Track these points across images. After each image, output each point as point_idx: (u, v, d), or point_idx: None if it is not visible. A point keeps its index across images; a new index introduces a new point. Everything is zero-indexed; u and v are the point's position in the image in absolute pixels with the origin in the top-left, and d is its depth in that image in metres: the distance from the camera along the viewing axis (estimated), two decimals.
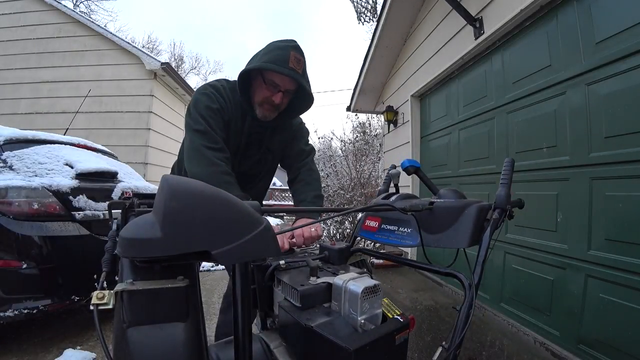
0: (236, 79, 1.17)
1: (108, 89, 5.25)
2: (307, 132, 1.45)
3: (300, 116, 1.39)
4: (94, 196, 2.05)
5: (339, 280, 0.66)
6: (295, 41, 1.14)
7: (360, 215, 1.16)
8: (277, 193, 11.99)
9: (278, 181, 12.59)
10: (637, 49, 1.42)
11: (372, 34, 4.08)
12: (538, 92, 1.99)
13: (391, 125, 4.23)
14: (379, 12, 3.86)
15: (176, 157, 1.45)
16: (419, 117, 3.74)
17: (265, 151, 1.31)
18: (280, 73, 1.09)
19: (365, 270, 0.81)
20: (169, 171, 1.41)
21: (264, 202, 1.40)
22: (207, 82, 1.22)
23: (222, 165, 1.07)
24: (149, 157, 5.15)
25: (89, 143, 2.64)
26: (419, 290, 2.85)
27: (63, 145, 2.32)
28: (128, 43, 5.44)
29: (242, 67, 1.15)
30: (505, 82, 2.29)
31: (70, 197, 1.93)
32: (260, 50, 1.15)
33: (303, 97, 1.24)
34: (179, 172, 1.35)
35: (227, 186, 1.04)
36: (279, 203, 11.04)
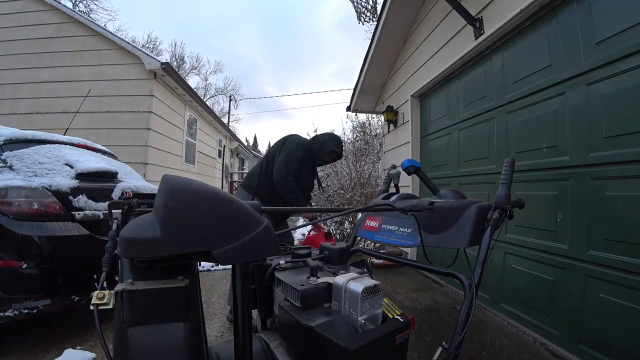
0: (307, 138, 2.41)
1: (108, 89, 5.24)
2: None
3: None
4: (94, 196, 2.05)
5: (339, 280, 0.66)
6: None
7: (360, 215, 1.16)
8: None
9: None
10: (637, 49, 1.42)
11: (372, 34, 4.08)
12: (538, 92, 1.99)
13: (391, 125, 4.23)
14: (379, 12, 3.86)
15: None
16: (419, 117, 3.74)
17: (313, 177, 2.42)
18: (340, 158, 2.42)
19: (365, 270, 0.81)
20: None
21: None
22: (302, 142, 2.26)
23: (299, 195, 2.12)
24: (149, 157, 5.14)
25: (89, 143, 2.64)
26: (419, 290, 2.85)
27: (63, 145, 2.32)
28: (128, 43, 5.43)
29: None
30: (505, 82, 2.29)
31: (70, 197, 1.92)
32: (327, 140, 2.26)
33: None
34: (251, 188, 2.26)
35: (296, 196, 2.11)
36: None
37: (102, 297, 0.52)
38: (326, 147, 2.22)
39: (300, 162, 2.16)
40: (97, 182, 2.16)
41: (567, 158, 1.78)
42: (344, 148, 2.31)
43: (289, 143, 2.23)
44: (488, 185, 2.47)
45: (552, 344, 1.78)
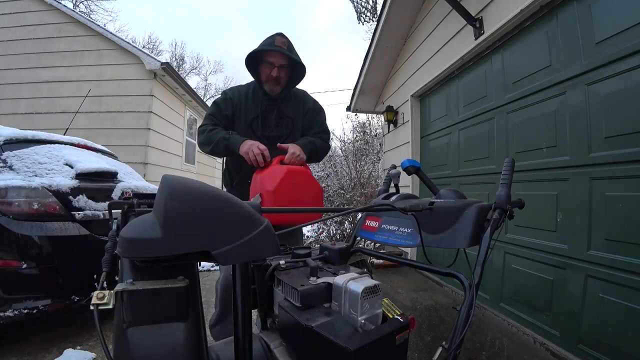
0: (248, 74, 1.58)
1: (108, 89, 5.24)
2: (322, 114, 1.73)
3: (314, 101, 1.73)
4: (94, 196, 2.05)
5: (339, 280, 0.66)
6: (280, 32, 1.51)
7: (360, 215, 1.16)
8: None
9: None
10: (637, 49, 1.42)
11: (372, 34, 4.08)
12: (538, 92, 1.99)
13: (391, 125, 4.23)
14: (379, 12, 3.86)
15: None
16: (419, 117, 3.74)
17: (282, 117, 1.61)
18: (270, 50, 1.46)
19: (365, 270, 0.81)
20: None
21: None
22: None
23: (210, 129, 1.51)
24: (149, 157, 5.14)
25: (89, 143, 2.64)
26: (419, 290, 2.85)
27: (63, 145, 2.32)
28: (128, 43, 5.43)
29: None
30: (505, 82, 2.29)
31: (70, 197, 1.92)
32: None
33: (298, 70, 1.57)
34: (228, 174, 1.69)
35: (212, 133, 1.48)
36: None
37: (102, 297, 0.52)
38: (259, 49, 1.48)
39: (219, 106, 1.56)
40: (97, 182, 2.16)
41: (567, 158, 1.78)
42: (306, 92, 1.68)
43: None
44: (488, 185, 2.47)
45: (552, 344, 1.78)
